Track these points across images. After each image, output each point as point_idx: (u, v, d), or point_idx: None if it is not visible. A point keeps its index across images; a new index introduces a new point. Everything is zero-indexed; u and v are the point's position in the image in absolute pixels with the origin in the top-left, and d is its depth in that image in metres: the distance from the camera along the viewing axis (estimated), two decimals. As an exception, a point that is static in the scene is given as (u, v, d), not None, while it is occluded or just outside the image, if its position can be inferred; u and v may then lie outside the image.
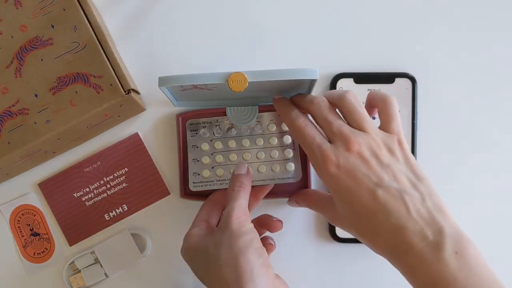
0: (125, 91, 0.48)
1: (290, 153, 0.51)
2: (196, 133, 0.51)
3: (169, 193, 0.54)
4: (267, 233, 0.50)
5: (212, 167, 0.51)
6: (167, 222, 0.54)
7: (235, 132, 0.51)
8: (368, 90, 0.53)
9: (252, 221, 0.44)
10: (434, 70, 0.54)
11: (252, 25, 0.55)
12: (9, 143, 0.48)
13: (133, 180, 0.54)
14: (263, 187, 0.51)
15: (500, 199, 0.54)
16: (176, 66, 0.54)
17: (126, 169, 0.54)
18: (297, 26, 0.55)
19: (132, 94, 0.48)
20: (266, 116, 0.51)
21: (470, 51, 0.54)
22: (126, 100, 0.48)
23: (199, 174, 0.51)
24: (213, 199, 0.50)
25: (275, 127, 0.51)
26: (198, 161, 0.51)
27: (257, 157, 0.51)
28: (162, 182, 0.54)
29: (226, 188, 0.50)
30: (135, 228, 0.54)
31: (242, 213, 0.43)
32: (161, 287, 0.54)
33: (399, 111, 0.53)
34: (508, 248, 0.53)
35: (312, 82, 0.47)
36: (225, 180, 0.51)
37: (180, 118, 0.53)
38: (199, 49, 0.55)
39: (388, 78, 0.53)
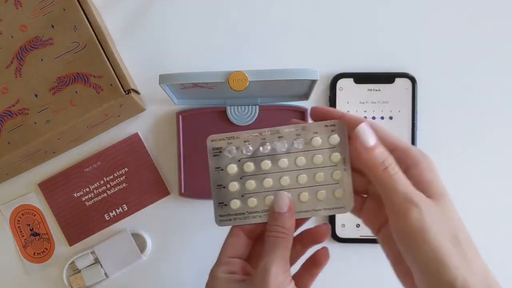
0: (125, 91, 0.48)
1: (339, 175, 0.38)
2: (220, 152, 0.40)
3: (169, 193, 0.54)
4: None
5: (242, 196, 0.39)
6: (167, 222, 0.54)
7: (269, 149, 0.39)
8: (368, 90, 0.53)
9: (294, 242, 0.38)
10: (434, 70, 0.54)
11: (252, 25, 0.55)
12: (9, 143, 0.48)
13: (133, 180, 0.54)
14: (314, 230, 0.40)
15: (501, 199, 0.54)
16: (176, 66, 0.54)
17: (126, 169, 0.54)
18: (297, 26, 0.55)
19: (132, 94, 0.48)
20: (310, 127, 0.39)
21: (470, 51, 0.54)
22: (126, 100, 0.48)
23: (225, 205, 0.39)
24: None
25: (320, 141, 0.38)
26: (224, 187, 0.40)
27: (298, 182, 0.39)
28: (162, 182, 0.54)
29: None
30: (135, 228, 0.54)
31: (281, 270, 0.35)
32: (161, 287, 0.54)
33: (399, 111, 0.53)
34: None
35: (312, 82, 0.47)
36: (259, 212, 0.39)
37: (180, 116, 0.53)
38: (199, 49, 0.55)
39: (388, 78, 0.53)
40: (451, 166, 0.54)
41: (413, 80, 0.53)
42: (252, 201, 0.39)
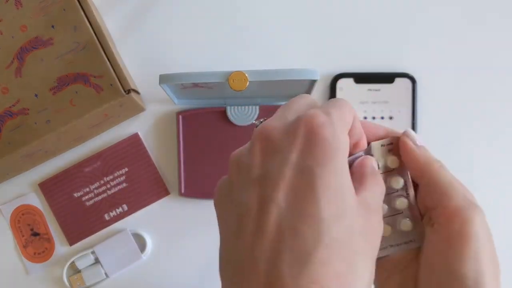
0: (125, 91, 0.48)
1: (403, 203, 0.31)
2: None
3: (169, 193, 0.54)
4: None
5: None
6: (167, 222, 0.54)
7: None
8: (368, 90, 0.53)
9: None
10: (434, 70, 0.54)
11: (252, 25, 0.55)
12: (9, 143, 0.48)
13: (133, 180, 0.54)
14: None
15: (502, 199, 0.54)
16: (176, 66, 0.54)
17: (126, 169, 0.54)
18: (298, 26, 0.55)
19: (132, 94, 0.48)
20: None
21: (470, 51, 0.54)
22: (126, 100, 0.48)
23: None
24: None
25: (377, 165, 0.30)
26: None
27: None
28: (162, 182, 0.54)
29: None
30: (135, 228, 0.54)
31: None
32: (161, 287, 0.54)
33: (399, 111, 0.53)
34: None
35: (312, 83, 0.47)
36: None
37: (180, 116, 0.53)
38: (199, 49, 0.55)
39: (388, 78, 0.53)
40: (451, 166, 0.54)
41: (413, 80, 0.53)
42: None
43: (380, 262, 0.31)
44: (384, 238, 0.31)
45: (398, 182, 0.31)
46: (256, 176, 0.25)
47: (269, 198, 0.24)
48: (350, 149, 0.28)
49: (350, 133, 0.27)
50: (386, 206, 0.31)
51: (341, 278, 0.23)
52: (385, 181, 0.31)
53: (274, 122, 0.26)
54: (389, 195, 0.31)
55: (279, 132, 0.25)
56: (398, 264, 0.31)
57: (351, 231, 0.24)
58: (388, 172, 0.31)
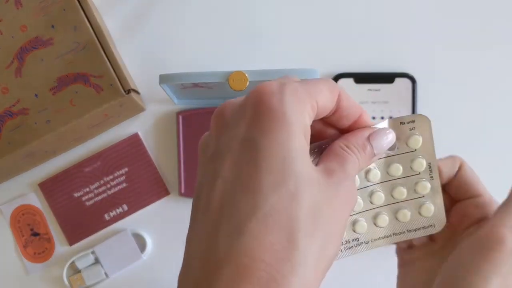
0: (125, 91, 0.48)
1: (425, 187, 0.30)
2: None
3: (169, 193, 0.54)
4: None
5: None
6: (167, 222, 0.54)
7: None
8: (368, 90, 0.53)
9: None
10: (434, 70, 0.54)
11: (252, 25, 0.55)
12: (9, 143, 0.48)
13: (133, 180, 0.54)
14: None
15: (502, 199, 0.54)
16: (176, 66, 0.54)
17: (126, 169, 0.54)
18: (298, 26, 0.55)
19: (132, 94, 0.48)
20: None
21: (470, 51, 0.54)
22: (126, 100, 0.48)
23: None
24: None
25: (397, 145, 0.29)
26: None
27: (372, 202, 0.30)
28: (162, 182, 0.54)
29: None
30: (135, 228, 0.54)
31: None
32: (161, 287, 0.54)
33: (399, 111, 0.53)
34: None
35: (312, 82, 0.47)
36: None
37: (180, 116, 0.53)
38: (199, 49, 0.55)
39: (388, 78, 0.53)
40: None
41: (413, 80, 0.53)
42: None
43: (406, 244, 0.31)
44: (403, 224, 0.30)
45: (421, 165, 0.29)
46: (210, 154, 0.25)
47: (217, 174, 0.23)
48: (349, 127, 0.27)
49: (340, 110, 0.26)
50: (404, 190, 0.29)
51: (278, 253, 0.21)
52: (405, 162, 0.29)
53: (233, 100, 0.25)
54: (408, 178, 0.29)
55: (232, 107, 0.25)
56: (427, 249, 0.31)
57: (295, 202, 0.22)
58: (408, 153, 0.29)
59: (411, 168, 0.29)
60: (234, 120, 0.24)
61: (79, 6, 0.48)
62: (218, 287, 0.21)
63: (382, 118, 0.53)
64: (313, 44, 0.54)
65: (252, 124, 0.23)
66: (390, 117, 0.29)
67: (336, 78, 0.53)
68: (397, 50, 0.54)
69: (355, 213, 0.29)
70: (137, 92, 0.52)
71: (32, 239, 0.55)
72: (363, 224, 0.29)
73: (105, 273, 0.53)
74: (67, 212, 0.54)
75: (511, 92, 0.54)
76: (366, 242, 0.30)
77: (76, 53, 0.48)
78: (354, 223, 0.29)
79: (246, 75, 0.43)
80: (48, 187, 0.54)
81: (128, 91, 0.48)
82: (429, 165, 0.29)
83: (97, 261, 0.54)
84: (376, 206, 0.30)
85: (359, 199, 0.29)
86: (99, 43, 0.48)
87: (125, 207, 0.54)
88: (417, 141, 0.29)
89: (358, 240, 0.29)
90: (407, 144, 0.29)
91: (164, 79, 0.45)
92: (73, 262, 0.54)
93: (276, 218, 0.22)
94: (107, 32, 0.52)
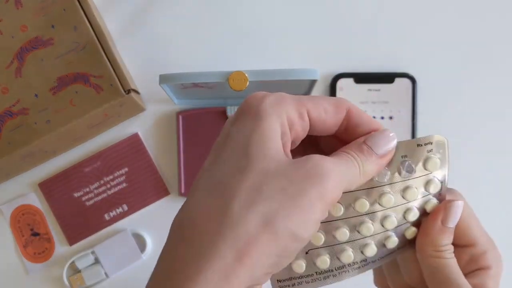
0: (125, 91, 0.48)
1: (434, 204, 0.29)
2: None
3: (169, 193, 0.54)
4: None
5: (306, 253, 0.28)
6: (167, 222, 0.54)
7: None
8: (368, 90, 0.53)
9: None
10: (434, 70, 0.54)
11: (252, 25, 0.55)
12: (9, 143, 0.48)
13: (133, 180, 0.54)
14: None
15: (502, 199, 0.54)
16: (176, 66, 0.54)
17: (126, 169, 0.54)
18: (297, 26, 0.55)
19: (132, 94, 0.48)
20: (398, 149, 0.28)
21: (470, 51, 0.54)
22: (126, 100, 0.48)
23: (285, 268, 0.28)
24: None
25: (413, 168, 0.28)
26: None
27: (383, 226, 0.28)
28: (162, 182, 0.54)
29: None
30: (135, 228, 0.54)
31: None
32: (161, 287, 0.54)
33: (399, 111, 0.53)
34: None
35: (312, 82, 0.47)
36: (331, 271, 0.29)
37: (180, 116, 0.53)
38: (199, 49, 0.55)
39: (388, 78, 0.53)
40: (451, 166, 0.54)
41: (413, 80, 0.53)
42: (324, 260, 0.28)
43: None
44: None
45: (436, 187, 0.29)
46: None
47: (204, 167, 0.26)
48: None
49: (351, 127, 0.27)
50: (418, 212, 0.29)
51: (210, 215, 0.24)
52: (422, 185, 0.28)
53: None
54: (423, 199, 0.29)
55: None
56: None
57: (240, 175, 0.24)
58: (425, 176, 0.28)
59: (426, 190, 0.29)
60: (227, 122, 0.27)
61: (79, 6, 0.48)
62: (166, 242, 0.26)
63: (382, 118, 0.53)
64: (313, 44, 0.54)
65: (233, 120, 0.26)
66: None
67: (336, 78, 0.53)
68: (397, 50, 0.54)
69: (364, 237, 0.28)
70: (137, 92, 0.52)
71: (32, 239, 0.55)
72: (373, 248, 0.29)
73: (105, 273, 0.53)
74: (67, 212, 0.54)
75: (511, 92, 0.54)
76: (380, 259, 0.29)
77: (76, 53, 0.48)
78: (365, 245, 0.29)
79: (246, 75, 0.43)
80: (48, 187, 0.54)
81: (128, 91, 0.48)
82: (442, 185, 0.29)
83: (97, 261, 0.54)
84: (385, 231, 0.29)
85: (371, 226, 0.28)
86: (99, 43, 0.48)
87: (125, 207, 0.54)
88: (435, 164, 0.28)
89: (366, 261, 0.29)
90: (424, 167, 0.28)
91: (164, 79, 0.45)
92: (73, 262, 0.54)
93: (221, 188, 0.24)
94: (107, 32, 0.52)
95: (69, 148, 0.54)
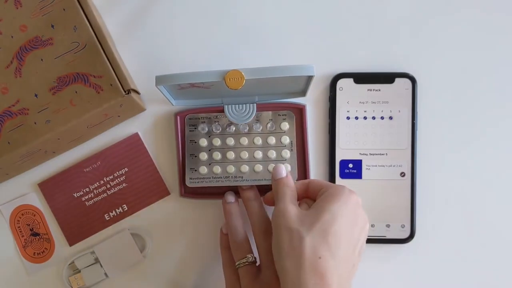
0: (125, 91, 0.48)
1: (287, 153, 0.51)
2: (195, 128, 0.52)
3: (169, 193, 0.54)
4: None
5: (209, 164, 0.51)
6: (167, 222, 0.54)
7: (234, 129, 0.52)
8: (368, 90, 0.53)
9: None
10: (434, 70, 0.54)
11: (252, 25, 0.55)
12: (9, 143, 0.48)
13: (133, 180, 0.54)
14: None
15: (501, 199, 0.54)
16: (176, 65, 0.54)
17: (126, 169, 0.54)
18: (297, 26, 0.55)
19: (132, 94, 0.48)
20: (265, 115, 0.52)
21: (470, 51, 0.54)
22: (126, 100, 0.48)
23: (195, 170, 0.51)
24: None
25: (274, 126, 0.51)
26: (195, 156, 0.52)
27: (254, 156, 0.51)
28: (162, 182, 0.54)
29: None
30: (135, 228, 0.54)
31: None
32: (161, 287, 0.54)
33: (399, 111, 0.53)
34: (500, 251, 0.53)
35: (309, 79, 0.47)
36: (221, 178, 0.51)
37: (178, 117, 0.53)
38: (199, 48, 0.55)
39: (388, 78, 0.53)
40: (451, 166, 0.54)
41: (413, 80, 0.53)
42: (217, 169, 0.51)
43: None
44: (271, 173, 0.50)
45: (285, 140, 0.52)
46: None
47: None
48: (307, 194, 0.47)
49: (309, 190, 0.47)
50: (274, 152, 0.51)
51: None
52: (278, 137, 0.52)
53: None
54: (280, 147, 0.52)
55: None
56: None
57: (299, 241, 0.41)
58: (280, 133, 0.52)
59: (280, 141, 0.51)
60: None
61: (79, 6, 0.48)
62: None
63: (382, 118, 0.53)
64: (313, 43, 0.54)
65: None
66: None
67: (336, 78, 0.53)
68: (397, 50, 0.54)
69: (244, 161, 0.51)
70: (137, 92, 0.52)
71: (32, 239, 0.55)
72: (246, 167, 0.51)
73: (105, 273, 0.53)
74: (67, 212, 0.54)
75: (511, 92, 0.54)
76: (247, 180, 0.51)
77: (76, 53, 0.48)
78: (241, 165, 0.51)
79: (243, 73, 0.43)
80: (48, 187, 0.54)
81: (128, 91, 0.48)
82: (291, 142, 0.52)
83: (97, 261, 0.54)
84: (256, 160, 0.51)
85: (247, 153, 0.51)
86: (99, 43, 0.48)
87: (125, 207, 0.54)
88: (285, 126, 0.52)
89: (242, 177, 0.51)
90: (280, 127, 0.52)
91: (160, 80, 0.45)
92: (72, 262, 0.54)
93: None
94: (107, 32, 0.52)
95: (69, 148, 0.54)
